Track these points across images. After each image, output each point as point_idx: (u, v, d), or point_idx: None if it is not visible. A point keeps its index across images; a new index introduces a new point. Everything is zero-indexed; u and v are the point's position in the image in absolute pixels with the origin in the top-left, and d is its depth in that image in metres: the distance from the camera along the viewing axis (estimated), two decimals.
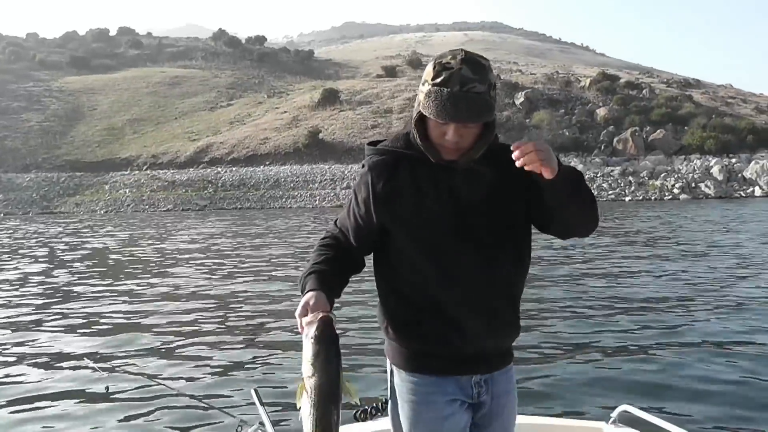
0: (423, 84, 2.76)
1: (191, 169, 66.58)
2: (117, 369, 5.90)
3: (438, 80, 2.69)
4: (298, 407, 2.62)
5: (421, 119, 2.81)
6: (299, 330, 2.70)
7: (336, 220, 3.14)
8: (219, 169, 65.79)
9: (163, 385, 5.43)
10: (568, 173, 2.69)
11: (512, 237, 2.93)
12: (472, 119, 2.69)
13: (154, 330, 11.21)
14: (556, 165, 2.60)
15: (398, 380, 3.03)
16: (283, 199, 57.82)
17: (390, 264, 2.94)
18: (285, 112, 78.12)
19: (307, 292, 2.76)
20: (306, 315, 2.68)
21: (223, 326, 11.35)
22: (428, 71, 2.74)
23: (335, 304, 2.81)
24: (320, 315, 2.64)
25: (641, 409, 4.09)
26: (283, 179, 62.26)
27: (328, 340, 2.64)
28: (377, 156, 2.97)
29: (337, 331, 2.64)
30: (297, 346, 8.86)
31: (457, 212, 2.84)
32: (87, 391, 7.96)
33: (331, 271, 2.87)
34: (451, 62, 2.71)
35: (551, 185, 2.65)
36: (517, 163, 2.58)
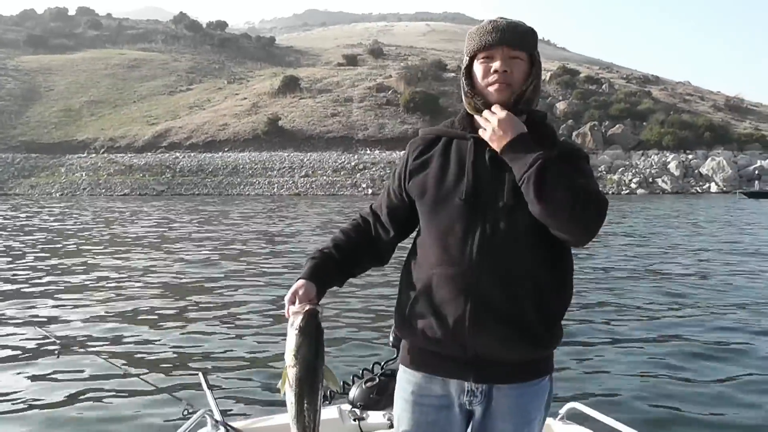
0: (467, 37, 2.75)
1: (149, 154, 66.24)
2: (69, 344, 5.88)
3: (480, 24, 2.72)
4: (282, 394, 2.64)
5: (469, 71, 2.75)
6: (285, 315, 2.69)
7: (372, 204, 3.03)
8: (177, 155, 65.51)
9: (113, 364, 5.45)
10: (518, 149, 2.53)
11: (541, 229, 2.58)
12: (516, 41, 2.63)
13: (108, 310, 11.23)
14: (505, 141, 2.53)
15: (399, 373, 2.93)
16: (242, 186, 57.74)
17: (413, 249, 2.81)
18: (245, 98, 77.84)
19: (299, 279, 2.73)
20: (294, 303, 2.67)
21: (177, 309, 11.34)
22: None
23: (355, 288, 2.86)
24: (307, 307, 2.64)
25: (589, 406, 4.10)
26: (241, 166, 62.21)
27: (311, 333, 2.64)
28: (421, 135, 2.93)
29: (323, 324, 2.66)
30: (250, 331, 8.97)
31: (476, 188, 2.65)
32: (37, 360, 8.09)
33: (337, 259, 2.84)
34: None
35: (505, 157, 2.56)
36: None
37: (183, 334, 9.65)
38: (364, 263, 2.94)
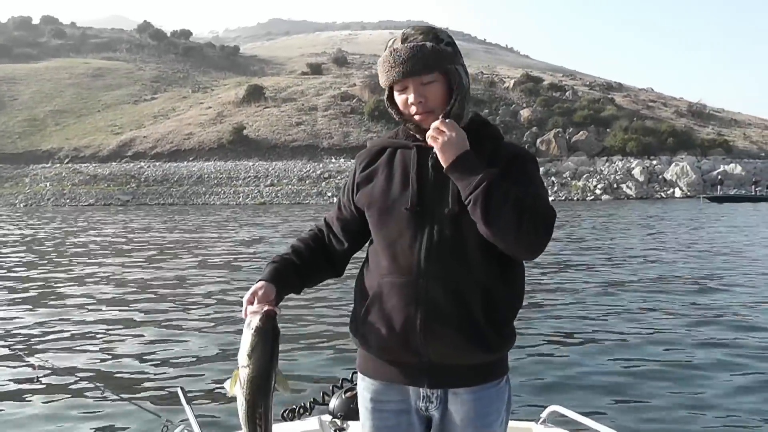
0: (378, 67, 2.74)
1: (114, 164, 65.88)
2: (41, 361, 5.82)
3: (386, 48, 2.71)
4: (230, 394, 2.57)
5: (391, 99, 2.74)
6: (243, 316, 2.61)
7: (326, 215, 3.02)
8: (142, 164, 65.25)
9: (88, 380, 5.44)
10: (463, 170, 2.55)
11: None
12: (421, 69, 2.59)
13: (79, 324, 11.07)
14: (451, 155, 2.54)
15: (358, 381, 2.93)
16: (207, 196, 57.57)
17: (366, 257, 2.83)
18: (209, 107, 77.78)
19: (260, 281, 2.68)
20: (252, 303, 2.62)
21: (150, 322, 11.20)
22: None
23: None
24: (265, 308, 2.57)
25: (570, 409, 4.09)
26: (206, 175, 62.03)
27: (267, 334, 2.56)
28: (368, 148, 2.94)
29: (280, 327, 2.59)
30: (224, 343, 9.03)
31: (421, 196, 2.66)
32: (15, 382, 7.87)
33: (297, 265, 2.81)
34: (396, 34, 2.74)
35: (451, 176, 2.57)
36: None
37: (157, 346, 9.55)
38: (321, 272, 2.90)
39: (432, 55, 2.59)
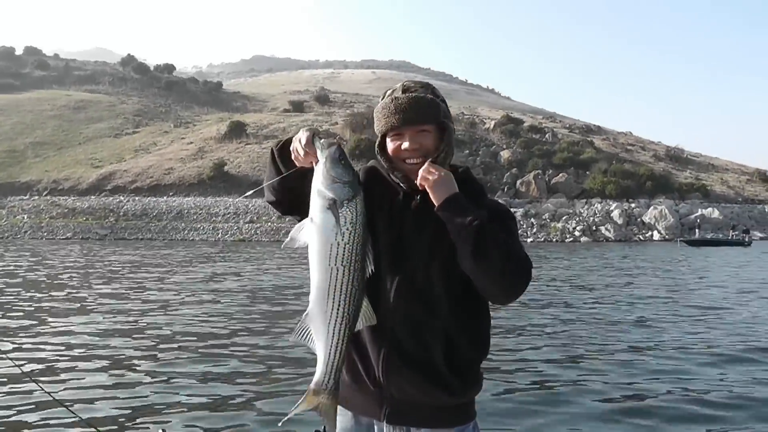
0: (374, 114, 2.91)
1: (93, 197, 65.46)
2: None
3: (384, 97, 2.88)
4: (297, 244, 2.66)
5: (383, 147, 2.92)
6: (301, 152, 2.71)
7: None
8: (121, 198, 64.84)
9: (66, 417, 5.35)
10: (455, 209, 2.66)
11: (459, 283, 2.78)
12: (419, 119, 2.78)
13: (62, 356, 10.97)
14: (443, 195, 2.66)
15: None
16: (186, 231, 57.23)
17: None
18: (191, 142, 77.65)
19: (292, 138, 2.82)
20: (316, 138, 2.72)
21: (127, 358, 11.01)
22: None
23: None
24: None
25: None
26: (186, 211, 61.67)
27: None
28: (372, 165, 3.07)
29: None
30: (209, 389, 8.79)
31: (400, 240, 2.81)
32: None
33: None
34: (396, 85, 2.93)
35: (442, 215, 2.69)
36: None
37: (140, 385, 9.36)
38: (301, 186, 2.82)
39: (432, 107, 2.80)
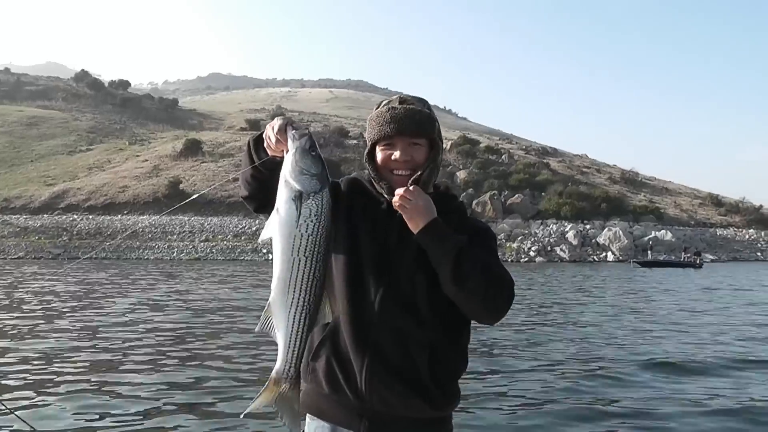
0: (368, 122, 2.93)
1: (45, 215, 64.45)
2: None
3: (380, 107, 2.91)
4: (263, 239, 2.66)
5: (371, 156, 2.92)
6: (272, 140, 2.71)
7: None
8: (75, 217, 63.96)
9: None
10: (433, 236, 2.67)
11: (443, 295, 2.74)
12: (414, 130, 2.79)
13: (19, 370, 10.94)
14: (420, 222, 2.66)
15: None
16: (141, 250, 56.57)
17: None
18: (146, 160, 77.12)
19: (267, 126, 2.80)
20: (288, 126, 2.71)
21: (77, 371, 11.01)
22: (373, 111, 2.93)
23: None
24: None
25: None
26: (141, 229, 61.00)
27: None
28: (354, 177, 3.09)
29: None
30: (150, 395, 8.74)
31: (383, 253, 2.80)
32: None
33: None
34: (392, 97, 2.96)
35: (420, 241, 2.70)
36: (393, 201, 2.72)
37: (99, 402, 9.19)
38: (270, 178, 2.81)
39: (427, 121, 2.83)
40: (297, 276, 2.59)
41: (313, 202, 2.61)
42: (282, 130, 2.70)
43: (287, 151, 2.67)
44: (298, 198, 2.61)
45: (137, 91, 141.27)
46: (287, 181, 2.64)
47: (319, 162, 2.67)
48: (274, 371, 2.66)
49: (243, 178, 2.93)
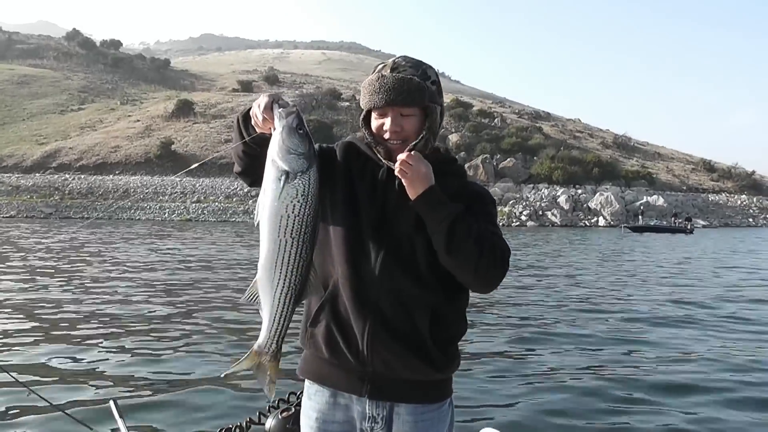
0: (362, 88, 2.83)
1: (37, 175, 64.50)
2: None
3: (375, 71, 2.79)
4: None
5: (367, 120, 2.85)
6: (259, 118, 2.65)
7: None
8: (67, 176, 63.96)
9: (16, 386, 5.30)
10: (430, 204, 2.65)
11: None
12: (404, 101, 2.69)
13: (7, 331, 10.87)
14: (419, 188, 2.63)
15: (303, 399, 3.00)
16: (132, 210, 56.54)
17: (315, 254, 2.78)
18: (138, 120, 76.91)
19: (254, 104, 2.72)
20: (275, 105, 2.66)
21: (81, 333, 10.90)
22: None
23: None
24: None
25: (501, 430, 4.20)
26: (132, 189, 61.07)
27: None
28: (349, 141, 2.98)
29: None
30: (155, 354, 8.88)
31: (383, 214, 2.77)
32: None
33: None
34: (388, 60, 2.84)
35: (417, 208, 2.68)
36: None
37: (89, 357, 9.30)
38: (261, 154, 2.73)
39: (417, 90, 2.70)
40: (284, 257, 2.59)
41: (300, 181, 2.59)
42: (268, 108, 2.64)
43: (274, 129, 2.62)
44: (285, 178, 2.58)
45: (129, 51, 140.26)
46: (274, 160, 2.61)
47: (307, 140, 2.62)
48: (256, 344, 2.69)
49: (235, 154, 2.88)
